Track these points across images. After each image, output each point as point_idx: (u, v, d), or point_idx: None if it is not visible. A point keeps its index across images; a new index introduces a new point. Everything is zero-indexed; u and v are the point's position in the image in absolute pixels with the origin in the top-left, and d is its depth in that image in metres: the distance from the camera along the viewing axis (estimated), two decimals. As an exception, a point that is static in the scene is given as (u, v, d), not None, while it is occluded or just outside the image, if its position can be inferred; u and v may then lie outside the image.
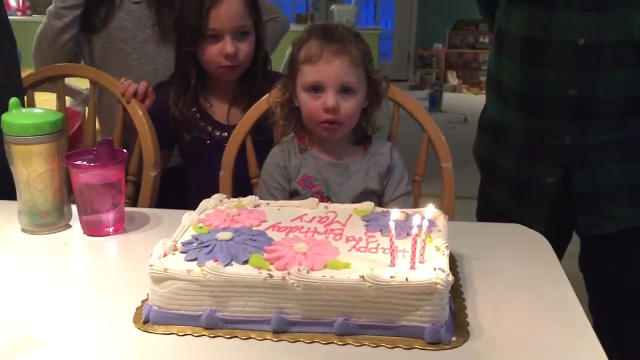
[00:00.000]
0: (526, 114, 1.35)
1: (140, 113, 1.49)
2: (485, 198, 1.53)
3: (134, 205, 1.46)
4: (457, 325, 0.81)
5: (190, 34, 1.48)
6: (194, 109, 1.56)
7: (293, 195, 1.29)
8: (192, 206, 1.04)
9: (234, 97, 1.56)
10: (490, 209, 1.49)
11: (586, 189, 1.31)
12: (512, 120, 1.39)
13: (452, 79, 7.00)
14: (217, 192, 1.11)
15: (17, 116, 1.09)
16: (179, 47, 1.53)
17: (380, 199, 1.29)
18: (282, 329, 0.80)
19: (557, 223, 1.36)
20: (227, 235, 0.89)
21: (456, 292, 0.89)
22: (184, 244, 0.88)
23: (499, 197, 1.46)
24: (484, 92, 1.58)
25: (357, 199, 1.19)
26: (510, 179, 1.42)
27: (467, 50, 7.16)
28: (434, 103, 5.83)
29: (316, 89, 1.23)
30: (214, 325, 0.81)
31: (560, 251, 1.25)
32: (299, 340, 0.79)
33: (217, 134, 1.55)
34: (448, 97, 6.25)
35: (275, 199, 1.26)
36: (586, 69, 1.23)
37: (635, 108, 1.26)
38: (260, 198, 1.23)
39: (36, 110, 1.14)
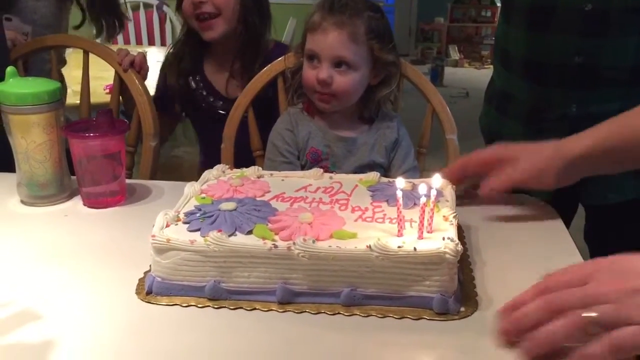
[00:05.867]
0: (532, 82, 1.33)
1: (138, 83, 1.47)
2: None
3: (131, 176, 1.45)
4: (465, 295, 0.80)
5: None
6: (197, 78, 1.55)
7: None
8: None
9: (232, 69, 1.55)
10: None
11: None
12: (518, 89, 1.37)
13: (454, 53, 6.94)
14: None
15: (14, 85, 1.06)
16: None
17: (386, 172, 1.28)
18: (288, 299, 0.78)
19: (562, 194, 1.34)
20: (230, 205, 0.87)
21: (464, 262, 0.88)
22: (186, 214, 0.86)
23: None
24: (486, 66, 1.57)
25: (362, 172, 1.17)
26: None
27: (469, 24, 7.10)
28: (436, 78, 5.79)
29: (312, 58, 1.22)
30: (218, 296, 0.79)
31: (565, 223, 1.24)
32: (305, 311, 0.77)
33: (219, 104, 1.55)
34: (450, 72, 6.20)
35: (287, 159, 1.25)
36: (592, 36, 1.21)
37: None
38: (270, 162, 1.20)
39: (33, 79, 1.11)
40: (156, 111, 1.60)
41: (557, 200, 1.26)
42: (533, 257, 0.92)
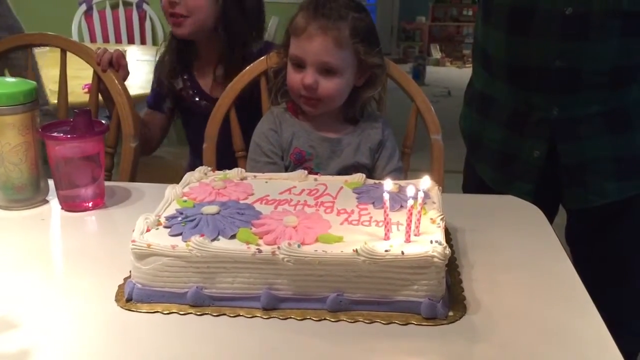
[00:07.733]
0: (512, 85, 1.32)
1: (117, 82, 1.44)
2: (471, 171, 1.51)
3: (111, 178, 1.42)
4: (453, 299, 0.79)
5: None
6: (185, 77, 1.53)
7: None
8: None
9: (215, 73, 1.54)
10: (477, 183, 1.47)
11: (572, 162, 1.29)
12: (498, 92, 1.36)
13: (436, 52, 6.96)
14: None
15: (-13, 85, 1.03)
16: None
17: (370, 173, 1.26)
18: (272, 305, 0.76)
19: (544, 196, 1.34)
20: (213, 209, 0.85)
21: (451, 265, 0.86)
22: (167, 218, 0.84)
23: (484, 171, 1.44)
24: (468, 65, 1.55)
25: (347, 173, 1.16)
26: (496, 152, 1.39)
27: (451, 23, 7.13)
28: (417, 77, 5.80)
29: (298, 63, 1.20)
30: (201, 302, 0.77)
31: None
32: (290, 317, 0.76)
33: (204, 104, 1.53)
34: (431, 71, 6.22)
35: (271, 159, 1.23)
36: (573, 40, 1.20)
37: (621, 79, 1.24)
38: (253, 162, 1.17)
39: (8, 80, 1.08)
40: (152, 111, 1.61)
41: (538, 202, 1.26)
42: (520, 259, 0.91)
